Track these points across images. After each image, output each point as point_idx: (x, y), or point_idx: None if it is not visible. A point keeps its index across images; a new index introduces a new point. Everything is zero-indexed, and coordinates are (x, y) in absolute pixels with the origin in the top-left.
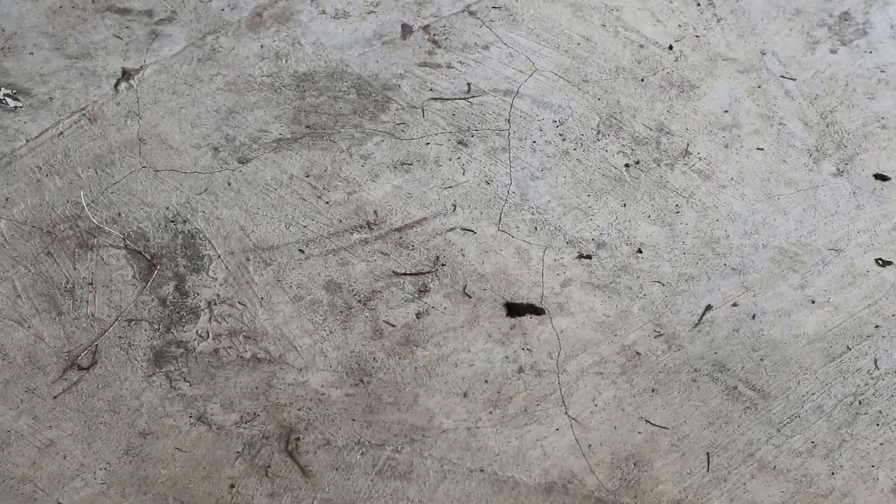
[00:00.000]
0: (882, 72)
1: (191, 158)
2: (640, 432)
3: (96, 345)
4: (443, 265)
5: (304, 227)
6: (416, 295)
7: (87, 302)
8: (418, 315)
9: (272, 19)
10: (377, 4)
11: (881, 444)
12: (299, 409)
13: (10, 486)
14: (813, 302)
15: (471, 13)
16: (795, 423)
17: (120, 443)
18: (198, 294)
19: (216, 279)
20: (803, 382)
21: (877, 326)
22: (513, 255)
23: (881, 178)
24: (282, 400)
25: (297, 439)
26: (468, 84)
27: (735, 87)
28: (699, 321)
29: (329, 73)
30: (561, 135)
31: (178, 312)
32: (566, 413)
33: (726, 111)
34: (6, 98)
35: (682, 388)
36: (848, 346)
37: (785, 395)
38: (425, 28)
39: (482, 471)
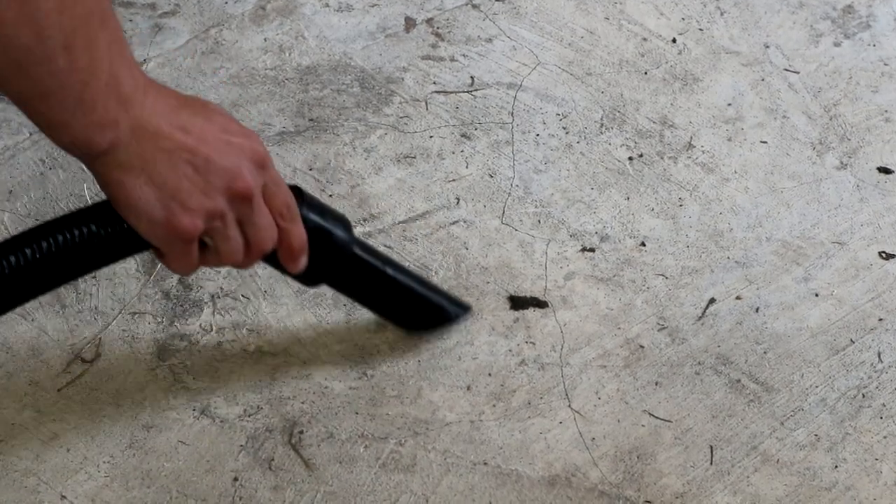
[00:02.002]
0: (886, 65)
1: None
2: (643, 425)
3: (100, 338)
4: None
5: None
6: None
7: (91, 295)
8: None
9: (275, 12)
10: None
11: (885, 438)
12: (303, 403)
13: (13, 479)
14: (816, 295)
15: (474, 6)
16: (799, 417)
17: (123, 436)
18: (201, 287)
19: (219, 272)
20: (807, 375)
21: (880, 319)
22: (516, 248)
23: (885, 171)
24: (285, 393)
25: (301, 432)
26: (471, 77)
27: (738, 81)
28: (702, 314)
29: (332, 66)
30: (564, 128)
31: (181, 305)
32: (569, 406)
33: (730, 104)
34: None
35: (685, 382)
36: (851, 340)
37: (788, 389)
38: (429, 21)
39: (486, 464)
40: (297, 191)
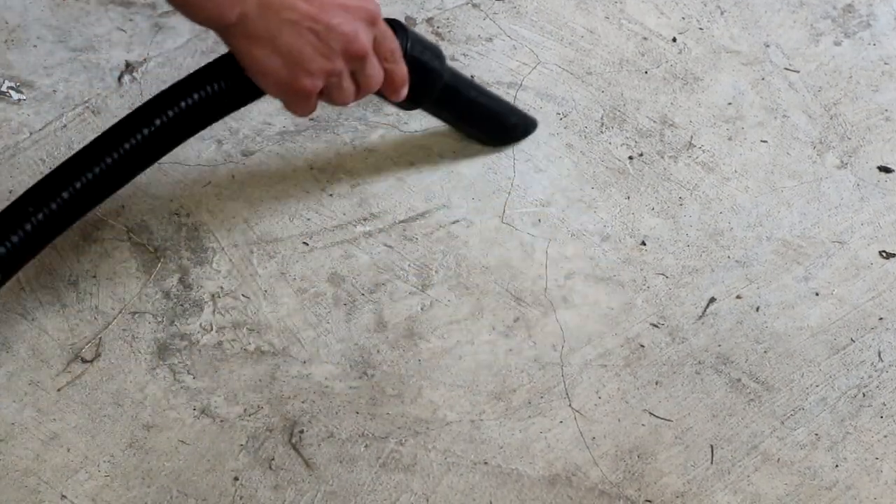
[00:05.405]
0: (886, 64)
1: (194, 151)
2: (643, 425)
3: (100, 337)
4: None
5: (308, 219)
6: (420, 287)
7: (91, 295)
8: (422, 308)
9: None
10: None
11: (885, 437)
12: (303, 402)
13: (13, 479)
14: (817, 294)
15: (474, 5)
16: (799, 416)
17: (124, 435)
18: (201, 287)
19: (220, 272)
20: (807, 375)
21: (881, 318)
22: (516, 247)
23: (885, 170)
24: (285, 392)
25: (301, 432)
26: (472, 76)
27: (739, 80)
28: (703, 313)
29: None
30: (565, 127)
31: (181, 305)
32: (570, 405)
33: (730, 103)
34: (10, 91)
35: (685, 381)
36: (852, 339)
37: (789, 388)
38: (429, 20)
39: (486, 463)
40: (399, 28)
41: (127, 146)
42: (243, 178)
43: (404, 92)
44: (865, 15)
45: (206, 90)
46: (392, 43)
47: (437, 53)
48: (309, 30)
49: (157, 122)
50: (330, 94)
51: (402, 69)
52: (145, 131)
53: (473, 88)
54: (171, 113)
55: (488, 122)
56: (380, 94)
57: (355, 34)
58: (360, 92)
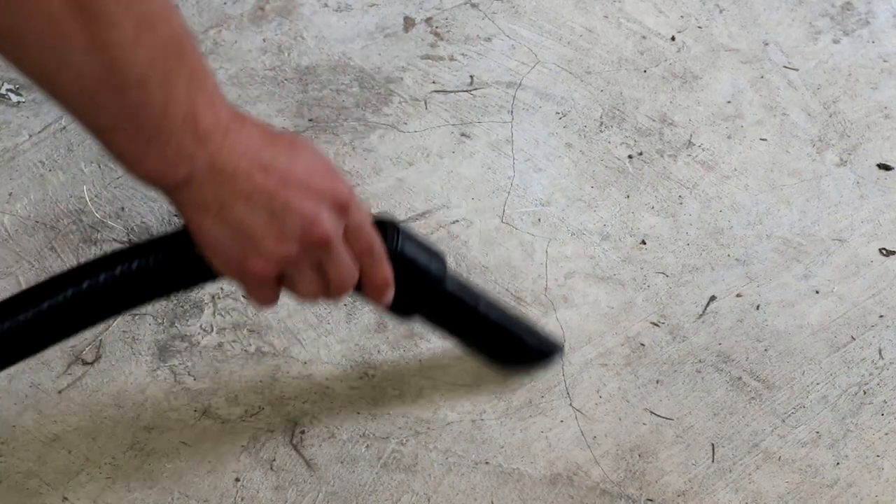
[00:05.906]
0: (885, 62)
1: None
2: (644, 423)
3: (100, 339)
4: None
5: None
6: None
7: None
8: None
9: (274, 13)
10: None
11: (886, 434)
12: (304, 403)
13: (15, 481)
14: (817, 292)
15: (473, 5)
16: (800, 414)
17: (125, 437)
18: (201, 287)
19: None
20: (808, 373)
21: (881, 316)
22: (516, 247)
23: (884, 167)
24: (286, 393)
25: (302, 432)
26: (471, 76)
27: (738, 78)
28: (703, 312)
29: (332, 66)
30: (564, 126)
31: (181, 306)
32: (571, 405)
33: (729, 102)
34: (9, 93)
35: (686, 379)
36: (852, 336)
37: (790, 386)
38: (427, 20)
39: (487, 463)
40: (390, 226)
41: (45, 311)
42: None
43: (389, 296)
44: (864, 13)
45: (150, 263)
46: (369, 237)
47: (437, 257)
48: (263, 206)
49: (86, 286)
50: (292, 285)
51: (382, 269)
52: (69, 295)
53: (483, 302)
54: (102, 281)
55: (500, 344)
56: (364, 295)
57: (315, 218)
58: (330, 289)
